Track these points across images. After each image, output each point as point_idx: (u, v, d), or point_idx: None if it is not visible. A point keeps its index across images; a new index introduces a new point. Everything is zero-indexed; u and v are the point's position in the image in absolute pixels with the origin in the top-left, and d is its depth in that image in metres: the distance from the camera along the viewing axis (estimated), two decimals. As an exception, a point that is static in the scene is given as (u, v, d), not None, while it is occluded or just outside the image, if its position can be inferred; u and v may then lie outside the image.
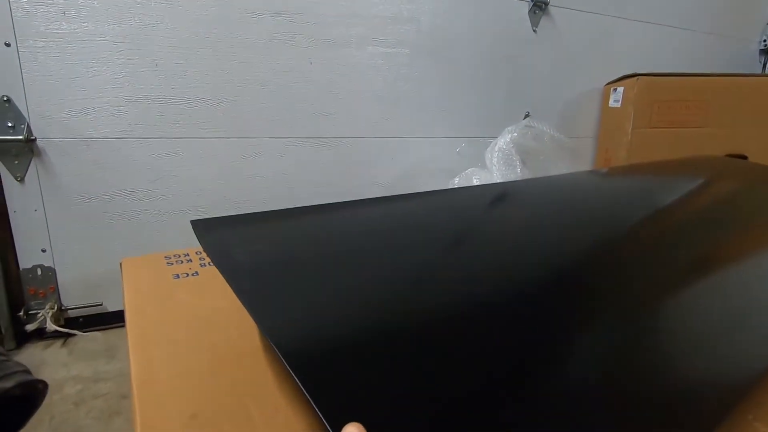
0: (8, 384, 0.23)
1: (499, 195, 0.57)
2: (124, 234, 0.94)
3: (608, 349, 0.28)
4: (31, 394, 0.25)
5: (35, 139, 0.84)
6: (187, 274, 0.45)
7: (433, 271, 0.34)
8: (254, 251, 0.31)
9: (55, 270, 0.91)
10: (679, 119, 1.26)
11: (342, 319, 0.27)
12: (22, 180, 0.85)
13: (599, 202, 0.60)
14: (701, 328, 0.32)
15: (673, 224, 0.51)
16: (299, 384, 0.18)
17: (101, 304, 0.96)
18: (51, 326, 0.88)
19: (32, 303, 0.91)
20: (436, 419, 0.20)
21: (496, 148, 1.01)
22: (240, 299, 0.26)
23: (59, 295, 0.93)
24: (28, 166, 0.85)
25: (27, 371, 0.26)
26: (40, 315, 0.89)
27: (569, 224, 0.48)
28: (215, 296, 0.40)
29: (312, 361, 0.21)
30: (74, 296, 0.94)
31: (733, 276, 0.42)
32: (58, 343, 0.91)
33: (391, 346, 0.25)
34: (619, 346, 0.29)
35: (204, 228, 0.34)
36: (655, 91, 1.23)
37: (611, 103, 1.32)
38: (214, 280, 0.44)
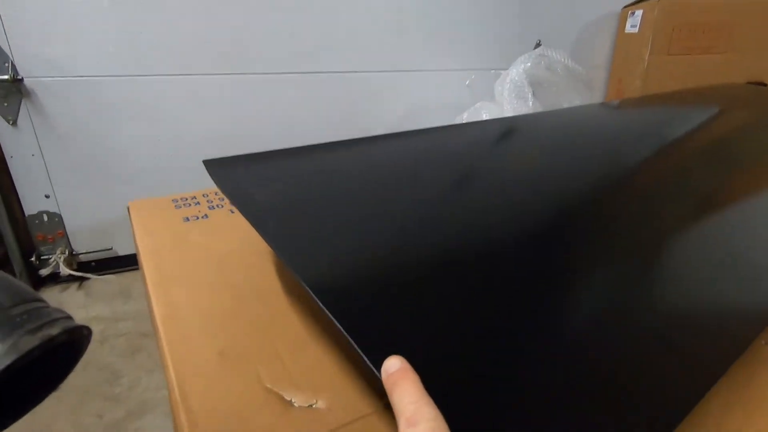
0: (54, 331, 0.23)
1: (513, 130, 0.55)
2: (126, 177, 0.93)
3: (629, 283, 0.28)
4: (76, 340, 0.25)
5: (22, 79, 0.80)
6: (197, 217, 0.44)
7: (449, 209, 0.33)
8: (271, 190, 0.30)
9: (61, 215, 0.91)
10: (700, 45, 1.18)
11: (367, 255, 0.26)
12: (14, 123, 0.82)
13: (616, 137, 0.58)
14: (722, 263, 0.32)
15: (692, 158, 0.49)
16: (336, 322, 0.18)
17: (111, 249, 0.97)
18: (65, 270, 0.90)
19: (42, 249, 0.91)
20: (467, 352, 0.20)
21: (508, 80, 0.96)
22: (265, 239, 0.25)
23: (68, 240, 0.93)
24: (19, 108, 0.82)
25: (69, 317, 0.25)
26: (52, 260, 0.90)
27: (585, 163, 0.47)
28: (228, 238, 0.39)
29: (343, 299, 0.20)
30: (84, 241, 0.94)
31: (755, 209, 0.41)
32: (74, 286, 0.93)
33: (418, 282, 0.24)
34: (642, 280, 0.29)
35: (217, 168, 0.32)
36: (676, 13, 1.14)
37: (628, 29, 1.23)
38: (224, 222, 0.43)
